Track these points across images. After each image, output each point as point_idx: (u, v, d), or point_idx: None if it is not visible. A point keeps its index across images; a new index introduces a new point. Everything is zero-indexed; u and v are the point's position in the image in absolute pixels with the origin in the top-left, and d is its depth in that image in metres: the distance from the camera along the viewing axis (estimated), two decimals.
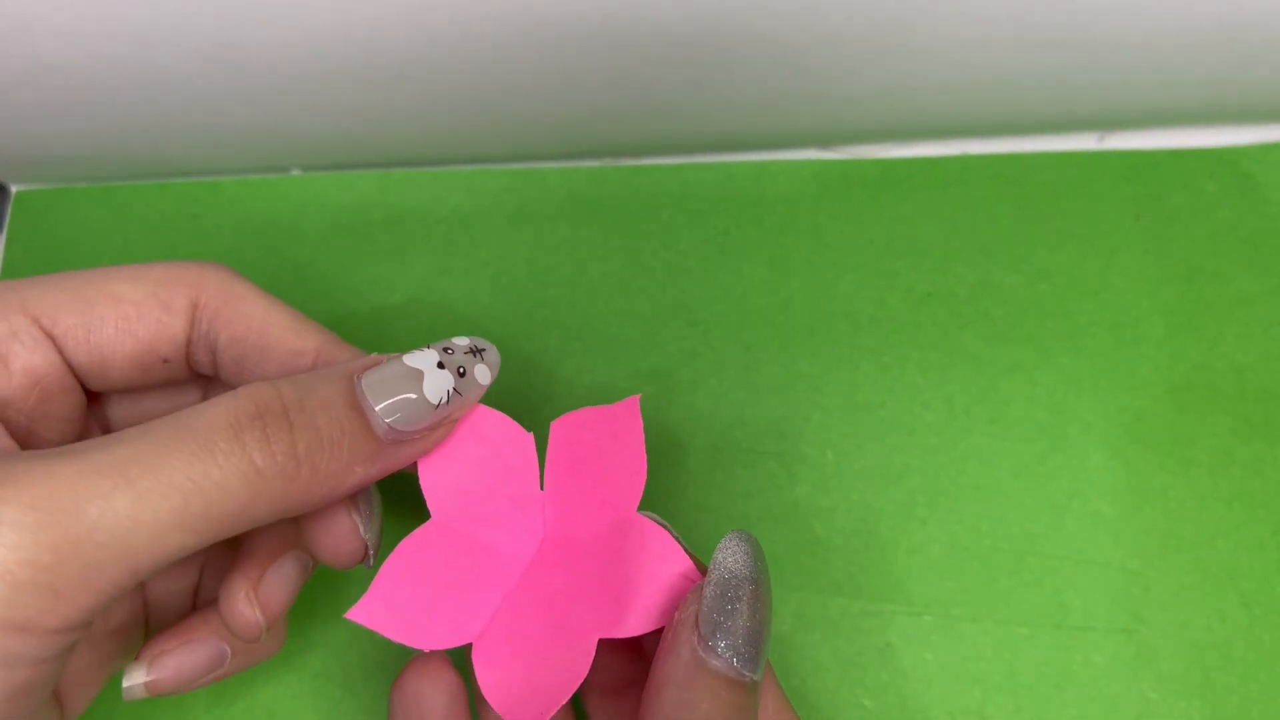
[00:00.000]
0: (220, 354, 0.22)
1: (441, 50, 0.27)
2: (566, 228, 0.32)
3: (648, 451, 0.22)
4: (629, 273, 0.31)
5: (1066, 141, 0.32)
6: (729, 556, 0.20)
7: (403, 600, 0.21)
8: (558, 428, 0.24)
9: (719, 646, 0.19)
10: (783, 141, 0.33)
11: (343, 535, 0.22)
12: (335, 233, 0.33)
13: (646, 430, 0.22)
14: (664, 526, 0.22)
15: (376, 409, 0.20)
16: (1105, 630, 0.27)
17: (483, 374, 0.22)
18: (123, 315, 0.21)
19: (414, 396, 0.20)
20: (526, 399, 0.30)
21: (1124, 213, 0.31)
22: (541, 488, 0.24)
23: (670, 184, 0.32)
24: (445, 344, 0.21)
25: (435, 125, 0.31)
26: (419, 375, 0.20)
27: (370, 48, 0.27)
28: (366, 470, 0.20)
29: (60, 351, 0.21)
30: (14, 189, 0.34)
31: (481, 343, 0.22)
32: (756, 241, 0.31)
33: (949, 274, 0.31)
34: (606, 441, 0.23)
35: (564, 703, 0.21)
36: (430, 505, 0.22)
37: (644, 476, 0.22)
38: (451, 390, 0.21)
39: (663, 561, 0.21)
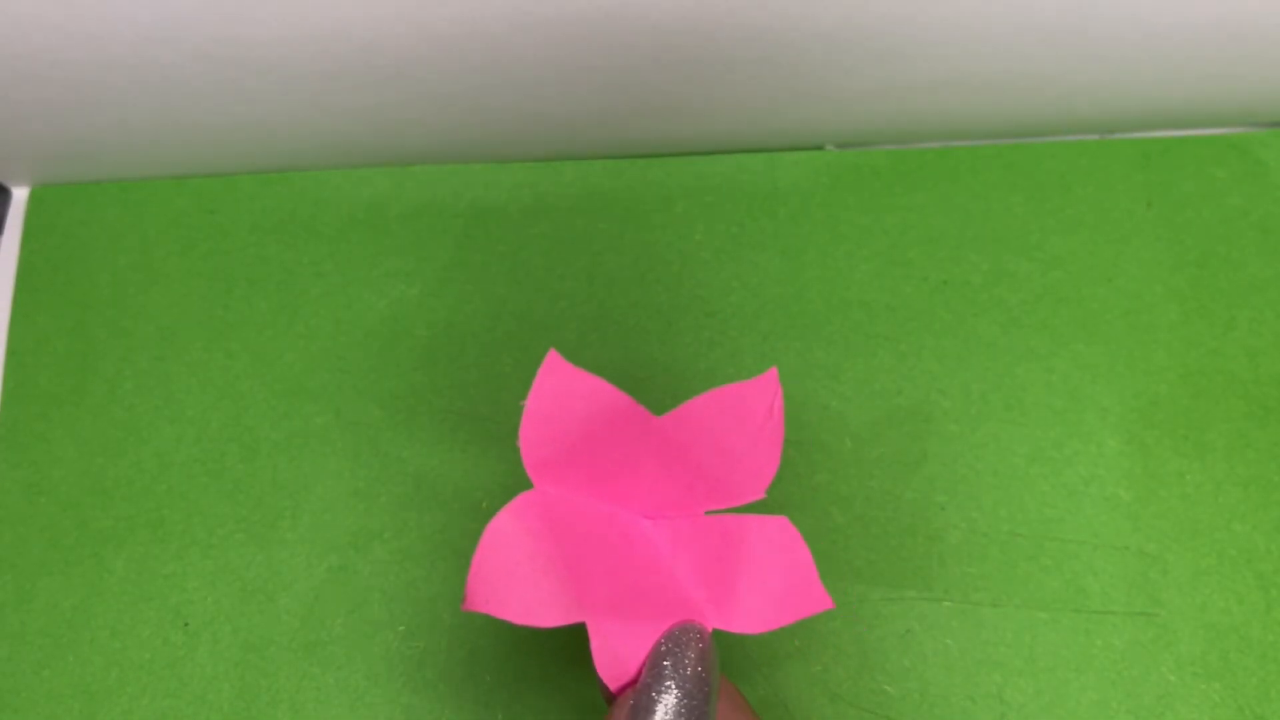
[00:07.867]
0: None
1: (448, 53, 0.27)
2: (582, 221, 0.32)
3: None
4: (644, 265, 0.32)
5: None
6: (648, 668, 0.19)
7: (507, 579, 0.20)
8: (684, 415, 0.21)
9: None
10: (782, 145, 0.33)
11: None
12: (353, 228, 0.33)
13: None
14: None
15: None
16: (1124, 614, 0.27)
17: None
18: None
19: None
20: None
21: (1135, 200, 0.31)
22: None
23: (684, 177, 0.32)
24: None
25: (442, 125, 0.31)
26: None
27: (375, 50, 0.27)
28: None
29: None
30: (27, 189, 0.34)
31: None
32: (771, 232, 0.32)
33: (963, 262, 0.31)
34: (734, 422, 0.20)
35: None
36: (530, 470, 0.21)
37: (777, 462, 0.20)
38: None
39: (787, 565, 0.21)
